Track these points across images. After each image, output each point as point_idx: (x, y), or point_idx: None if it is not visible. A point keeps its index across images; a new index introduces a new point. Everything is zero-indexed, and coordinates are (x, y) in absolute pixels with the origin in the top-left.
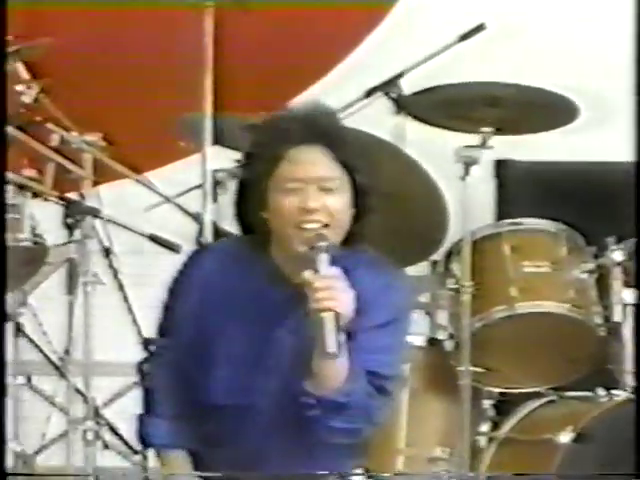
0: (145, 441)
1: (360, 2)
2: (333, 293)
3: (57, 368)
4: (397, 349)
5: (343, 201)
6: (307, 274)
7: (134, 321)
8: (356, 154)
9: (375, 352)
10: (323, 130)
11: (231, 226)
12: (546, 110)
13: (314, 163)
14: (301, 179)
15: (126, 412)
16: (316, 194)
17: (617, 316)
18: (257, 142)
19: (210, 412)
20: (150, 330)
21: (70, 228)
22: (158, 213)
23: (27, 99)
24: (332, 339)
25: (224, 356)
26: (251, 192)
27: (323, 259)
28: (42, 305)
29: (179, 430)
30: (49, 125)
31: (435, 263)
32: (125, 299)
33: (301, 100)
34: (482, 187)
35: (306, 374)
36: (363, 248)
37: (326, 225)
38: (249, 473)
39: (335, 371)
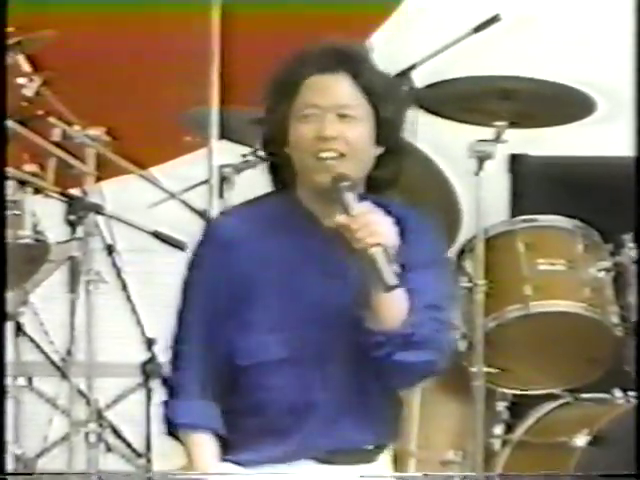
0: (171, 423)
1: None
2: (372, 228)
3: (59, 369)
4: (445, 287)
5: (364, 131)
6: (340, 219)
7: (138, 321)
8: (382, 86)
9: (427, 287)
10: (346, 57)
11: None
12: (562, 104)
13: (333, 89)
14: (318, 105)
15: (130, 414)
16: (334, 122)
17: (635, 316)
18: (279, 71)
19: (251, 374)
20: (154, 330)
21: (72, 225)
22: (163, 210)
23: (29, 92)
24: (389, 271)
25: (267, 313)
26: (273, 126)
27: (350, 198)
28: (43, 304)
29: (208, 410)
30: (51, 119)
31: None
32: (128, 298)
33: None
34: (496, 182)
35: (366, 314)
36: (389, 198)
37: (343, 155)
38: (291, 440)
39: (396, 303)
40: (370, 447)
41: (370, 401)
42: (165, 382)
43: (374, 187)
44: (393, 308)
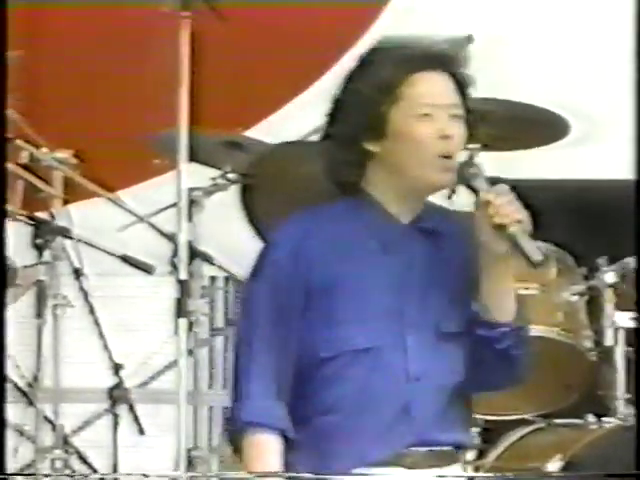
0: (235, 425)
1: (341, 14)
2: (514, 206)
3: (25, 395)
4: None
5: (464, 131)
6: (485, 194)
7: (105, 346)
8: (469, 86)
9: None
10: (445, 55)
11: (207, 246)
12: (535, 126)
13: (444, 88)
14: (433, 104)
15: (96, 440)
16: (450, 121)
17: (609, 340)
18: (372, 65)
19: (334, 366)
20: (122, 355)
21: (39, 249)
22: (131, 233)
23: None
24: (533, 247)
25: (349, 303)
26: (357, 120)
27: (483, 181)
28: (10, 329)
29: (276, 410)
30: (18, 142)
31: None
32: (96, 323)
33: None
34: (469, 207)
35: (482, 306)
36: None
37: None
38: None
39: (512, 296)
40: (451, 444)
41: (454, 399)
42: (234, 386)
43: None
44: (510, 299)
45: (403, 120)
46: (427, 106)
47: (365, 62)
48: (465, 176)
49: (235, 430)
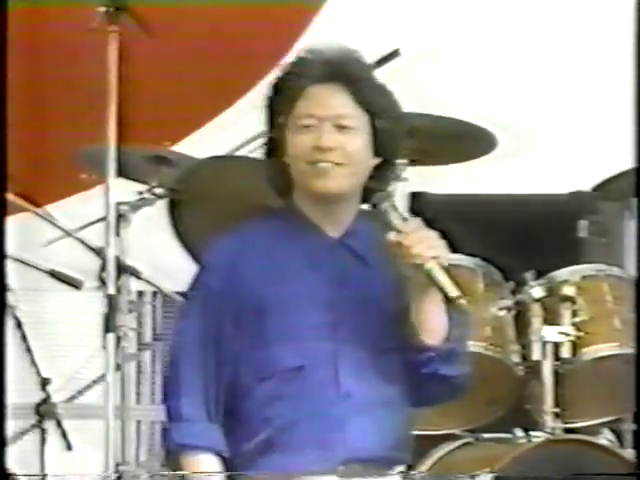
0: (171, 446)
1: (268, 28)
2: (428, 242)
3: None
4: None
5: (360, 142)
6: (391, 236)
7: (32, 361)
8: (379, 97)
9: None
10: (343, 68)
11: (134, 261)
12: (462, 141)
13: (331, 100)
14: (316, 116)
15: (24, 456)
16: (331, 132)
17: (536, 354)
18: (276, 81)
19: (267, 386)
20: (49, 370)
21: None
22: (58, 248)
23: None
24: (449, 283)
25: (280, 324)
26: (272, 135)
27: (395, 214)
28: None
29: (211, 431)
30: None
31: None
32: (23, 338)
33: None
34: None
35: (409, 330)
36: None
37: (340, 164)
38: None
39: (440, 317)
40: (384, 459)
41: (389, 414)
42: (165, 408)
43: (369, 198)
44: (439, 322)
45: (290, 132)
46: (307, 117)
47: (281, 74)
48: (379, 211)
49: (170, 451)
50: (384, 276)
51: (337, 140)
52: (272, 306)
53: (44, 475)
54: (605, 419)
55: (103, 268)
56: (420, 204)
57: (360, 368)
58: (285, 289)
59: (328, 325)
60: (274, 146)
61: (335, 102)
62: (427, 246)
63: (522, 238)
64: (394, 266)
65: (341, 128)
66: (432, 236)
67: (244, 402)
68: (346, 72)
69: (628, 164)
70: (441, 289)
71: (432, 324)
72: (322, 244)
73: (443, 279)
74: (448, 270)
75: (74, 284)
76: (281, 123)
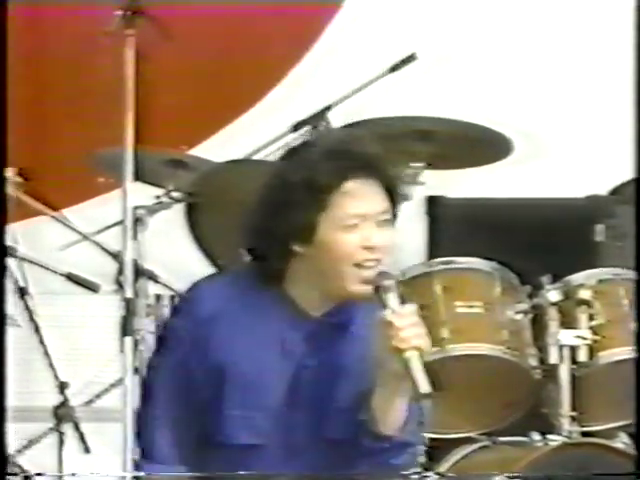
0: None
1: (285, 32)
2: (417, 330)
3: None
4: None
5: (394, 234)
6: (387, 314)
7: (50, 365)
8: (399, 185)
9: None
10: (375, 162)
11: (152, 265)
12: (479, 145)
13: (372, 197)
14: (362, 215)
15: (41, 459)
16: (376, 230)
17: (553, 358)
18: (307, 170)
19: (228, 455)
20: (67, 373)
21: None
22: (76, 251)
23: None
24: (424, 378)
25: (238, 401)
26: (287, 222)
27: (393, 297)
28: None
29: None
30: None
31: None
32: (41, 342)
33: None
34: (413, 224)
35: (367, 417)
36: None
37: (378, 260)
38: None
39: (404, 408)
40: None
41: None
42: (138, 440)
43: None
44: (399, 412)
45: (330, 230)
46: (355, 217)
47: (299, 157)
48: (378, 288)
49: None
50: (359, 355)
51: (382, 237)
52: (231, 376)
53: (61, 475)
54: (621, 423)
55: (120, 272)
56: (437, 208)
57: (309, 454)
58: (248, 364)
59: (285, 408)
60: (296, 234)
61: (376, 198)
62: (415, 334)
63: (539, 242)
64: (372, 345)
65: (381, 224)
66: (420, 325)
67: (210, 453)
68: (378, 165)
69: None
70: (414, 381)
71: (390, 415)
72: (301, 324)
73: (419, 371)
74: (425, 365)
75: (91, 288)
76: (313, 216)
